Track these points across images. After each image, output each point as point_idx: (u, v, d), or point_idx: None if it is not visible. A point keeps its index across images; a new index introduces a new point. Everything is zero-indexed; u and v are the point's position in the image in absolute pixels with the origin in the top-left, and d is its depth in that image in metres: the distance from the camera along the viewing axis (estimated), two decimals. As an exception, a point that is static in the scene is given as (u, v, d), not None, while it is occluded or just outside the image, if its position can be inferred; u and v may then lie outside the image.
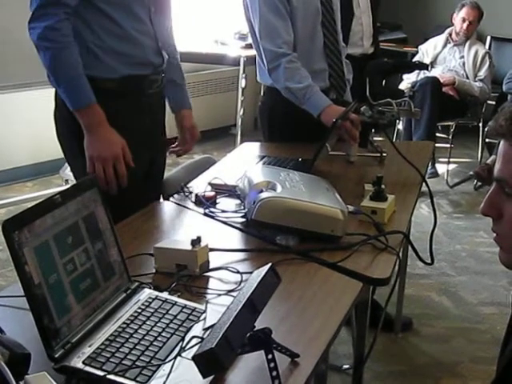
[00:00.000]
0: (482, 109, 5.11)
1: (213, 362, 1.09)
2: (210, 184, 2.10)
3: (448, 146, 4.90)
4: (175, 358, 1.20)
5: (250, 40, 2.66)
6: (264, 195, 1.73)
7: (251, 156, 2.45)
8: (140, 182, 2.07)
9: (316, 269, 1.63)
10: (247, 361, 1.22)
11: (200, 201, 1.99)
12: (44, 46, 1.84)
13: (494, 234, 1.08)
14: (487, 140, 4.99)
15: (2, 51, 3.69)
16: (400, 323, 2.93)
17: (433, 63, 5.17)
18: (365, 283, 1.58)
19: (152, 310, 1.36)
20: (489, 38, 5.68)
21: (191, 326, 1.33)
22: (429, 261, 1.97)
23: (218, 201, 2.01)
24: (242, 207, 1.92)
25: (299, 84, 2.39)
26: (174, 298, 1.42)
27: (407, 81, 5.09)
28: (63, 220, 1.25)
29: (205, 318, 1.36)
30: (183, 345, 1.24)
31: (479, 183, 4.70)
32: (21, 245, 1.14)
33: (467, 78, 5.07)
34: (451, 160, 4.95)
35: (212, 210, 1.95)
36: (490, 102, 5.13)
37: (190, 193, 2.07)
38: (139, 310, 1.35)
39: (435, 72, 5.07)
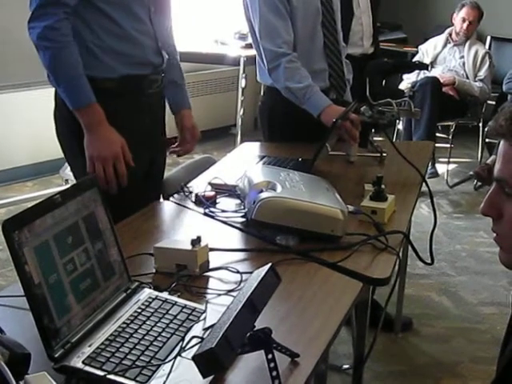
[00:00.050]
0: (482, 109, 5.11)
1: (213, 361, 1.09)
2: (209, 184, 2.10)
3: (448, 146, 4.91)
4: (175, 357, 1.20)
5: (249, 40, 2.66)
6: (264, 195, 1.73)
7: (251, 156, 2.45)
8: (140, 181, 2.07)
9: (316, 269, 1.63)
10: (247, 361, 1.22)
11: (200, 201, 1.99)
12: (44, 46, 1.84)
13: (494, 234, 1.08)
14: (487, 140, 4.99)
15: (1, 51, 3.69)
16: (400, 323, 2.93)
17: (433, 63, 5.17)
18: (365, 283, 1.58)
19: (152, 310, 1.36)
20: (489, 38, 5.68)
21: (191, 326, 1.32)
22: (429, 261, 1.97)
23: (218, 201, 2.01)
24: (242, 207, 1.92)
25: (299, 84, 2.39)
26: (174, 298, 1.42)
27: (407, 81, 5.09)
28: (63, 220, 1.25)
29: (205, 318, 1.36)
30: (183, 345, 1.24)
31: (479, 183, 4.70)
32: (21, 244, 1.14)
33: (467, 78, 5.07)
34: (451, 160, 4.95)
35: (212, 209, 1.95)
36: (490, 102, 5.13)
37: (190, 193, 2.07)
38: (139, 310, 1.35)
39: (435, 72, 5.07)
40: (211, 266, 1.60)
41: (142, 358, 1.20)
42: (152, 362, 1.19)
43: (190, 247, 1.56)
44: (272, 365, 1.16)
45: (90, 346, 1.20)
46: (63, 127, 2.04)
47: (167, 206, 2.06)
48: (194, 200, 2.02)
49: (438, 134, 4.90)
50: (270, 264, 1.32)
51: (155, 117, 2.14)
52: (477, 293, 3.34)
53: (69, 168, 2.20)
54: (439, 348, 2.85)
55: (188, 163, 2.49)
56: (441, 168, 4.90)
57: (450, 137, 4.92)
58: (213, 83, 5.66)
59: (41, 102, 3.07)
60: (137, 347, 1.22)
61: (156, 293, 1.43)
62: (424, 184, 2.23)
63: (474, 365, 2.72)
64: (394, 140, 4.74)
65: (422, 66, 3.99)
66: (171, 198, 2.07)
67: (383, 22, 5.17)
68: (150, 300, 1.39)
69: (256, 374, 1.20)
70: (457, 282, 3.45)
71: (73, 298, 1.23)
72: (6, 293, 1.45)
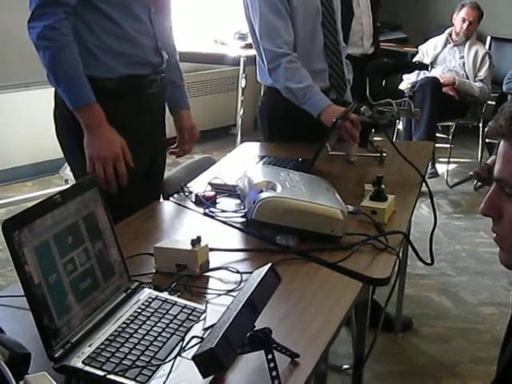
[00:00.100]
0: (482, 109, 5.11)
1: (213, 361, 1.09)
2: (210, 184, 2.10)
3: (448, 146, 4.91)
4: (175, 357, 1.20)
5: (250, 40, 2.66)
6: (264, 195, 1.73)
7: (251, 156, 2.45)
8: (140, 181, 2.07)
9: (316, 269, 1.63)
10: (247, 361, 1.22)
11: (200, 201, 1.99)
12: (43, 46, 1.84)
13: (494, 235, 1.08)
14: (487, 140, 4.99)
15: (1, 51, 3.69)
16: (400, 323, 2.93)
17: (433, 63, 5.17)
18: (365, 283, 1.58)
19: (152, 310, 1.36)
20: (489, 38, 5.68)
21: (191, 326, 1.32)
22: (429, 261, 1.97)
23: (217, 201, 2.01)
24: (242, 207, 1.92)
25: (299, 84, 2.39)
26: (174, 298, 1.42)
27: (407, 81, 5.09)
28: (63, 220, 1.25)
29: (205, 318, 1.36)
30: (183, 345, 1.24)
31: (479, 183, 4.70)
32: (21, 244, 1.14)
33: (467, 78, 5.07)
34: (451, 160, 4.95)
35: (212, 209, 1.95)
36: (490, 102, 5.13)
37: (190, 193, 2.07)
38: (139, 310, 1.35)
39: (435, 72, 5.07)
40: (211, 266, 1.60)
41: (142, 357, 1.20)
42: (152, 362, 1.19)
43: (190, 247, 1.56)
44: (272, 365, 1.16)
45: (90, 345, 1.20)
46: (63, 127, 2.03)
47: (167, 206, 2.06)
48: (193, 200, 2.02)
49: (438, 134, 4.90)
50: (269, 264, 1.32)
51: (155, 117, 2.14)
52: (477, 293, 3.34)
53: (69, 168, 2.20)
54: (439, 348, 2.85)
55: (188, 163, 2.49)
56: (441, 168, 4.90)
57: (450, 137, 4.92)
58: (213, 83, 5.65)
59: (41, 101, 3.07)
60: (137, 347, 1.22)
61: (156, 293, 1.43)
62: (424, 184, 2.23)
63: (473, 365, 2.72)
64: (394, 140, 4.74)
65: (422, 66, 3.99)
66: (171, 198, 2.07)
67: (383, 22, 5.16)
68: (150, 300, 1.39)
69: (256, 373, 1.20)
70: (457, 282, 3.45)
71: (73, 298, 1.23)
72: (6, 293, 1.45)
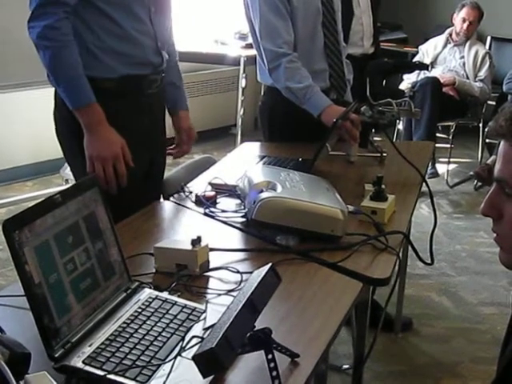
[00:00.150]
0: (482, 109, 5.11)
1: (213, 361, 1.09)
2: (210, 184, 2.10)
3: (448, 146, 4.91)
4: (175, 357, 1.20)
5: (250, 40, 2.66)
6: (264, 195, 1.73)
7: (251, 156, 2.45)
8: (140, 181, 2.07)
9: (316, 269, 1.63)
10: (247, 361, 1.22)
11: (200, 201, 1.99)
12: (43, 45, 1.84)
13: (494, 235, 1.08)
14: (487, 140, 4.99)
15: (1, 51, 3.69)
16: (400, 323, 2.93)
17: (433, 63, 5.17)
18: (365, 283, 1.58)
19: (152, 310, 1.36)
20: (489, 38, 5.68)
21: (191, 326, 1.32)
22: (429, 261, 1.97)
23: (218, 201, 2.01)
24: (242, 207, 1.92)
25: (299, 84, 2.39)
26: (174, 298, 1.42)
27: (407, 81, 5.09)
28: (63, 219, 1.25)
29: (205, 318, 1.36)
30: (183, 345, 1.24)
31: (479, 183, 4.70)
32: (21, 244, 1.14)
33: (467, 78, 5.07)
34: (451, 160, 4.95)
35: (212, 209, 1.95)
36: (490, 102, 5.13)
37: (190, 193, 2.07)
38: (139, 310, 1.35)
39: (435, 72, 5.07)
40: (211, 266, 1.60)
41: (142, 357, 1.20)
42: (152, 361, 1.19)
43: (190, 247, 1.56)
44: (272, 365, 1.16)
45: (90, 345, 1.21)
46: (63, 127, 2.03)
47: (167, 206, 2.06)
48: (194, 200, 2.02)
49: (438, 134, 4.90)
50: (270, 264, 1.32)
51: (155, 117, 2.14)
52: (477, 293, 3.34)
53: (69, 168, 2.20)
54: (439, 348, 2.85)
55: (188, 163, 2.49)
56: (441, 168, 4.90)
57: (450, 137, 4.93)
58: (213, 83, 5.65)
59: (41, 101, 3.06)
60: (137, 347, 1.23)
61: (156, 293, 1.43)
62: (424, 184, 2.23)
63: (473, 365, 2.72)
64: (394, 140, 4.74)
65: (422, 66, 3.99)
66: (171, 198, 2.07)
67: (383, 21, 5.16)
68: (150, 300, 1.39)
69: (256, 373, 1.20)
70: (457, 282, 3.45)
71: (73, 298, 1.23)
72: (6, 292, 1.45)
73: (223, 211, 1.94)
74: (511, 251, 1.06)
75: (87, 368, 1.15)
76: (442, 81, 4.88)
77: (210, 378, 1.15)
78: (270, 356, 1.16)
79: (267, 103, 2.66)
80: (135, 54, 1.99)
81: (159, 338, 1.27)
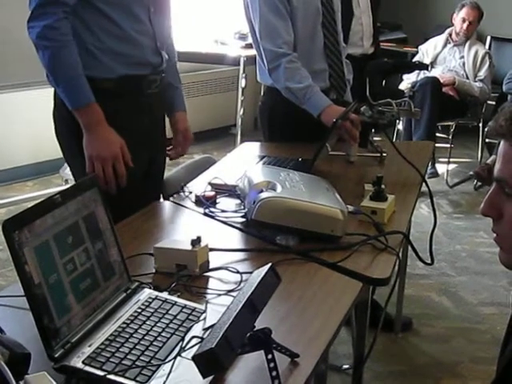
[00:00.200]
0: (482, 109, 5.11)
1: (213, 362, 1.09)
2: (210, 184, 2.10)
3: (448, 146, 4.91)
4: (175, 357, 1.20)
5: (250, 40, 2.66)
6: (264, 195, 1.73)
7: (251, 156, 2.45)
8: (139, 181, 2.07)
9: (316, 269, 1.63)
10: (247, 361, 1.22)
11: (200, 201, 1.99)
12: (43, 45, 1.84)
13: (494, 235, 1.08)
14: (487, 140, 4.99)
15: (1, 51, 3.69)
16: (400, 323, 2.93)
17: (433, 63, 5.17)
18: (365, 283, 1.58)
19: (152, 310, 1.36)
20: (489, 38, 5.68)
21: (191, 326, 1.32)
22: (429, 261, 1.97)
23: (217, 201, 2.01)
24: (242, 207, 1.92)
25: (299, 84, 2.39)
26: (174, 298, 1.42)
27: (407, 81, 5.09)
28: (63, 220, 1.25)
29: (205, 318, 1.36)
30: (183, 345, 1.24)
31: (479, 183, 4.70)
32: (21, 244, 1.14)
33: (467, 78, 5.07)
34: (451, 160, 4.95)
35: (212, 209, 1.95)
36: (490, 102, 5.13)
37: (190, 193, 2.07)
38: (139, 310, 1.35)
39: (435, 72, 5.07)
40: (211, 266, 1.60)
41: (141, 358, 1.20)
42: (152, 362, 1.19)
43: (190, 247, 1.56)
44: (272, 365, 1.16)
45: (90, 345, 1.20)
46: (62, 127, 2.03)
47: (167, 206, 2.06)
48: (193, 200, 2.02)
49: (438, 134, 4.90)
50: (270, 264, 1.32)
51: (154, 117, 2.14)
52: (477, 293, 3.34)
53: (69, 168, 2.20)
54: (439, 348, 2.85)
55: (188, 163, 2.49)
56: (441, 168, 4.90)
57: (450, 137, 4.93)
58: (213, 83, 5.65)
59: (41, 101, 3.07)
60: (137, 347, 1.22)
61: (156, 293, 1.43)
62: (424, 184, 2.23)
63: (473, 365, 2.72)
64: (394, 140, 4.74)
65: (422, 66, 3.99)
66: (171, 198, 2.07)
67: (383, 21, 5.17)
68: (150, 300, 1.39)
69: (256, 374, 1.20)
70: (457, 282, 3.45)
71: (73, 298, 1.23)
72: (6, 293, 1.45)
73: (223, 211, 1.94)
74: (511, 251, 1.06)
75: (87, 368, 1.15)
76: (441, 81, 4.88)
77: (210, 378, 1.15)
78: (269, 356, 1.16)
79: (267, 103, 2.66)
80: (134, 54, 1.99)
81: (159, 338, 1.27)
